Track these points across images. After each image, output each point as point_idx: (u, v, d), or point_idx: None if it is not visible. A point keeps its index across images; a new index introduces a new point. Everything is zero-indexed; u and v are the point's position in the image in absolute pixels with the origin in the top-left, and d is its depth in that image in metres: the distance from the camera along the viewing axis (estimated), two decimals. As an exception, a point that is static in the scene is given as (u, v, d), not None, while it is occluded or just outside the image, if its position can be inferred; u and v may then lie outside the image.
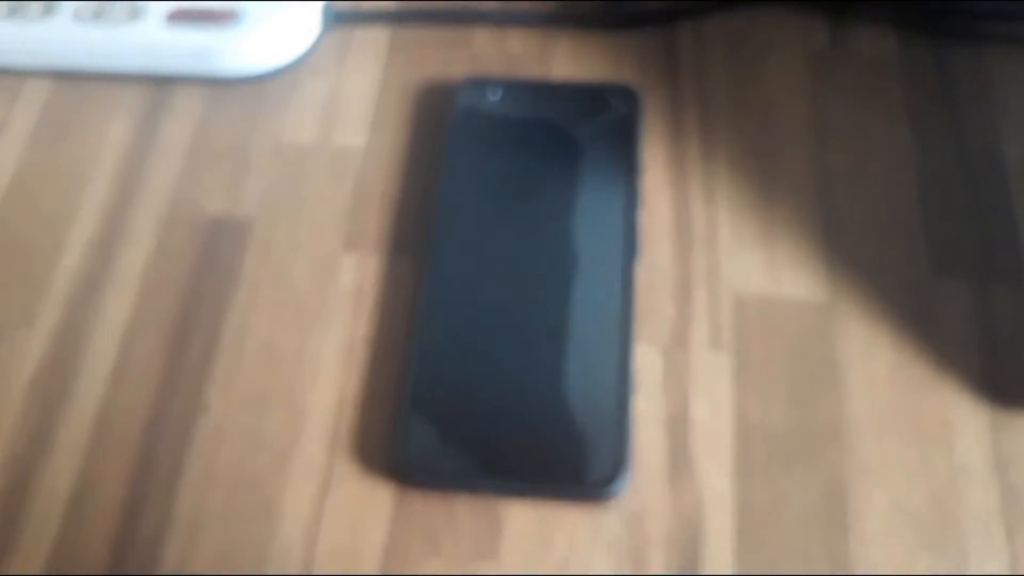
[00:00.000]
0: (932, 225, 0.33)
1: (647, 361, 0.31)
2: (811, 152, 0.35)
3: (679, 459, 0.29)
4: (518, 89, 0.36)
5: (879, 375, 0.31)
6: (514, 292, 0.32)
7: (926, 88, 0.36)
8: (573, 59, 0.38)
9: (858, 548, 0.28)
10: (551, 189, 0.34)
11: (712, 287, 0.32)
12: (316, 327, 0.32)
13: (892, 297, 0.32)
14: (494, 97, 0.36)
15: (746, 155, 0.35)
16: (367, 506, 0.29)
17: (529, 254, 0.32)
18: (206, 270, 0.34)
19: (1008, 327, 0.31)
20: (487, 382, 0.30)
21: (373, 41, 0.39)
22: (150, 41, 0.37)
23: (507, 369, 0.30)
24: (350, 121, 0.37)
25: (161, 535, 0.29)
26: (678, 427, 0.30)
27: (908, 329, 0.31)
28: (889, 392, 0.30)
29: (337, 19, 0.39)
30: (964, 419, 0.30)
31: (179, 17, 0.37)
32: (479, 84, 0.36)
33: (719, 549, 0.28)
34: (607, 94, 0.35)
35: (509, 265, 0.32)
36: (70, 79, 0.38)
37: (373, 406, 0.31)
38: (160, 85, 0.38)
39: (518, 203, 0.33)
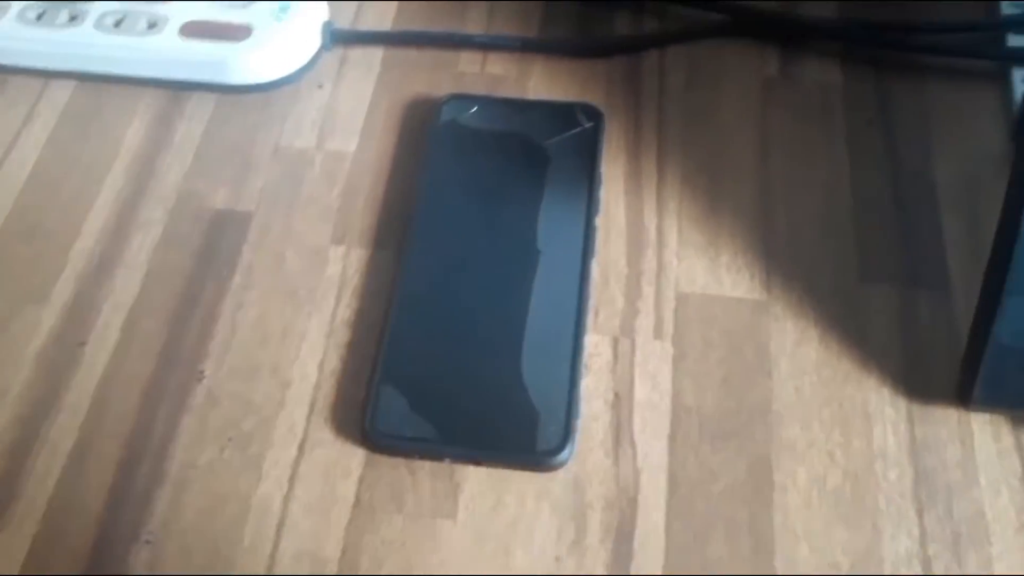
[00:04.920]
0: (864, 237, 0.37)
1: (598, 348, 0.34)
2: (756, 169, 0.39)
3: (621, 434, 0.33)
4: (495, 105, 0.40)
5: (806, 367, 0.34)
6: (481, 283, 0.35)
7: (866, 115, 0.40)
8: (547, 81, 0.42)
9: (780, 520, 0.31)
10: (519, 194, 0.37)
11: (659, 285, 0.36)
12: (303, 309, 0.36)
13: (823, 299, 0.35)
14: (473, 111, 0.40)
15: (697, 171, 0.39)
16: (339, 467, 0.32)
17: (497, 250, 0.36)
18: (208, 256, 0.37)
19: (928, 329, 0.35)
20: (452, 361, 0.34)
21: (368, 59, 0.43)
22: (165, 51, 0.41)
23: (471, 350, 0.34)
24: (343, 129, 0.41)
25: (152, 488, 0.32)
26: (622, 406, 0.33)
27: (836, 328, 0.35)
28: (815, 383, 0.34)
29: (336, 38, 0.43)
30: (883, 409, 0.33)
31: (193, 30, 0.41)
32: (460, 99, 0.40)
33: (652, 515, 0.31)
34: (574, 111, 0.39)
35: (478, 259, 0.36)
36: (91, 82, 0.42)
37: (349, 380, 0.34)
38: (174, 91, 0.42)
39: (489, 205, 0.37)
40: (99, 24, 0.41)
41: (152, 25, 0.41)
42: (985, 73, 0.41)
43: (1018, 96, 0.40)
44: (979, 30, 0.42)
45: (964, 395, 0.32)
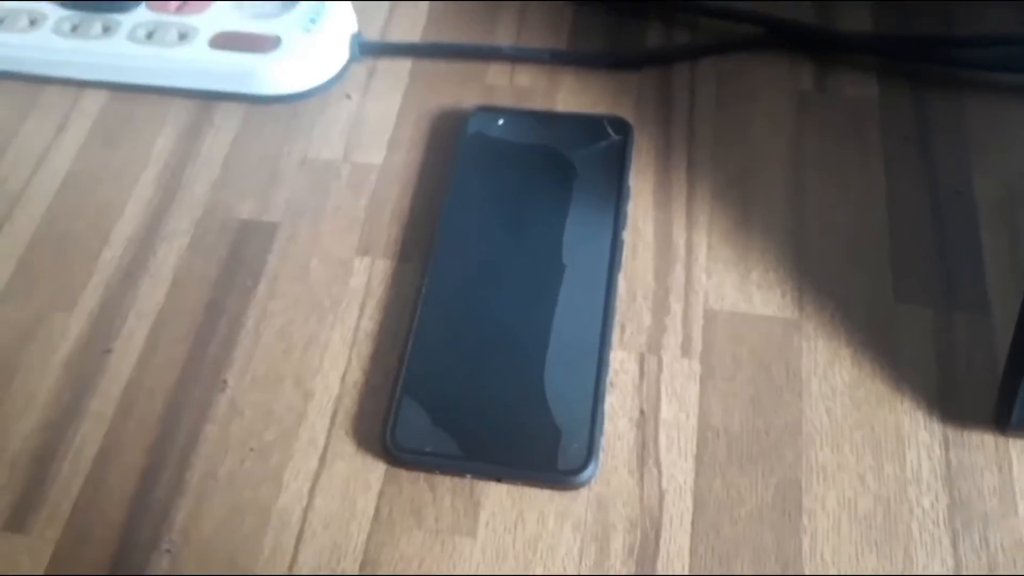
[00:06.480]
0: (899, 255, 0.36)
1: (623, 365, 0.34)
2: (789, 184, 0.38)
3: (646, 453, 0.32)
4: (522, 117, 0.39)
5: (838, 388, 0.33)
6: (506, 297, 0.35)
7: (903, 130, 0.39)
8: (576, 94, 0.41)
9: (808, 544, 0.30)
10: (546, 207, 0.37)
11: (687, 301, 0.35)
12: (327, 320, 0.36)
13: (856, 319, 0.35)
14: (500, 123, 0.39)
15: (728, 185, 0.38)
16: (359, 480, 0.32)
17: (522, 264, 0.35)
18: (233, 266, 0.37)
19: (965, 351, 0.34)
20: (475, 375, 0.33)
21: (396, 71, 0.43)
22: (195, 62, 0.41)
23: (494, 364, 0.33)
24: (370, 141, 0.41)
25: (173, 497, 0.32)
26: (647, 425, 0.33)
27: (870, 349, 0.34)
28: (847, 404, 0.33)
29: (365, 49, 0.43)
30: (917, 433, 0.32)
31: (223, 41, 0.41)
32: (488, 112, 0.40)
33: (676, 537, 0.30)
34: (603, 124, 0.39)
35: (503, 273, 0.35)
36: (124, 92, 0.42)
37: (371, 392, 0.34)
38: (204, 101, 0.42)
39: (515, 218, 0.37)
40: (132, 36, 0.42)
41: (183, 36, 0.41)
42: (1026, 88, 0.40)
43: (1061, 112, 0.39)
44: (1019, 44, 0.41)
45: (1001, 420, 0.31)
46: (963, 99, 0.40)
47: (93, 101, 0.43)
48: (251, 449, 0.33)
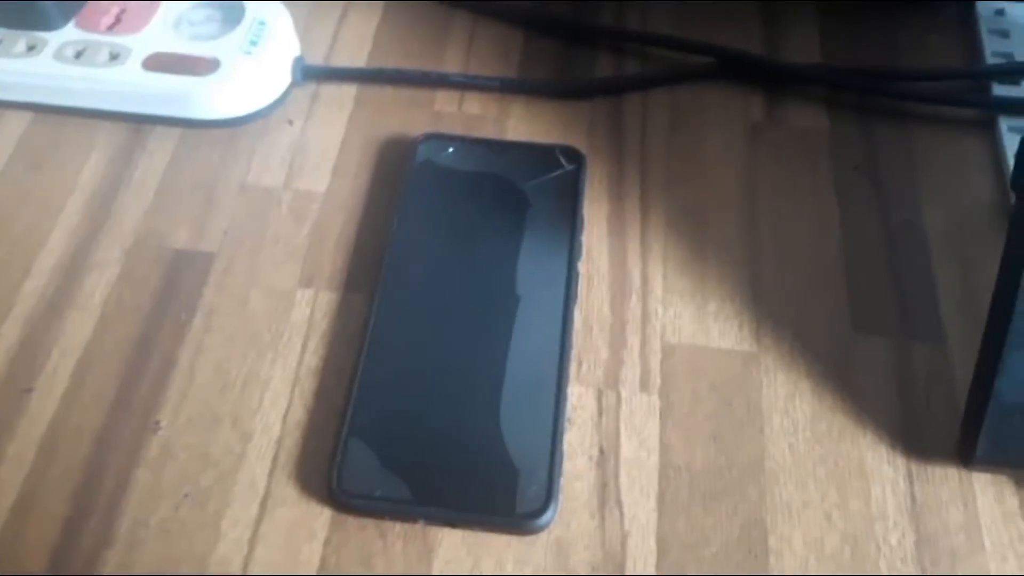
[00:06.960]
0: (855, 285, 0.36)
1: (581, 400, 0.33)
2: (742, 214, 0.38)
3: (606, 493, 0.31)
4: (473, 145, 0.38)
5: (800, 422, 0.32)
6: (458, 331, 0.33)
7: (853, 160, 0.39)
8: (527, 122, 0.40)
9: (774, 586, 0.29)
10: (498, 238, 0.36)
11: (644, 334, 0.34)
12: (267, 356, 0.34)
13: (815, 351, 0.34)
14: (450, 151, 0.38)
15: (682, 215, 0.37)
16: (303, 528, 0.30)
17: (474, 297, 0.34)
18: (166, 298, 0.35)
19: (924, 382, 0.33)
20: (426, 414, 0.31)
21: (341, 96, 0.41)
22: (128, 84, 0.39)
23: (447, 402, 0.32)
24: (313, 167, 0.39)
25: (100, 549, 0.30)
26: (607, 464, 0.31)
27: (830, 381, 0.33)
28: (809, 439, 0.32)
29: (308, 73, 0.41)
30: (881, 467, 0.32)
31: (157, 63, 0.39)
32: (437, 139, 0.38)
33: (640, 581, 0.29)
34: (555, 153, 0.38)
35: (454, 306, 0.34)
36: (50, 113, 0.40)
37: (315, 433, 0.32)
38: (136, 124, 0.40)
39: (467, 249, 0.35)
40: (59, 55, 0.39)
41: (115, 57, 0.39)
42: (971, 121, 0.40)
43: (1005, 144, 0.39)
44: (964, 78, 0.42)
45: (965, 454, 0.31)
46: (911, 130, 0.40)
47: (16, 123, 0.40)
48: (186, 495, 0.31)
